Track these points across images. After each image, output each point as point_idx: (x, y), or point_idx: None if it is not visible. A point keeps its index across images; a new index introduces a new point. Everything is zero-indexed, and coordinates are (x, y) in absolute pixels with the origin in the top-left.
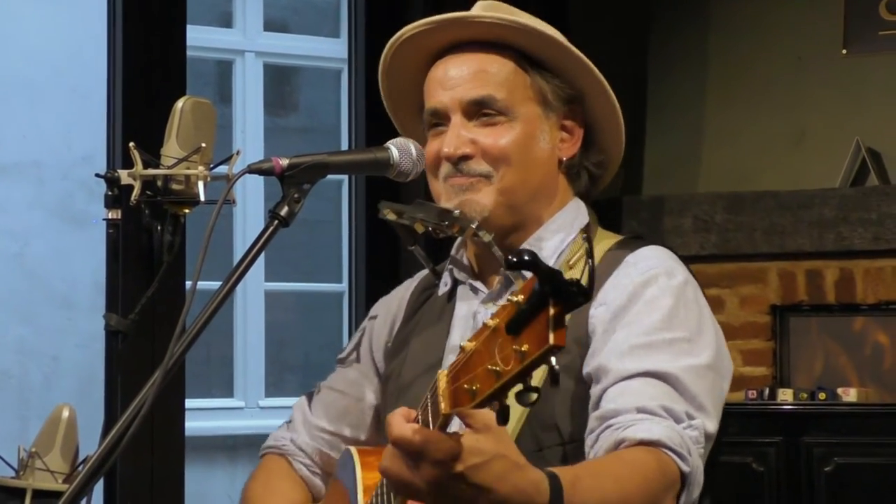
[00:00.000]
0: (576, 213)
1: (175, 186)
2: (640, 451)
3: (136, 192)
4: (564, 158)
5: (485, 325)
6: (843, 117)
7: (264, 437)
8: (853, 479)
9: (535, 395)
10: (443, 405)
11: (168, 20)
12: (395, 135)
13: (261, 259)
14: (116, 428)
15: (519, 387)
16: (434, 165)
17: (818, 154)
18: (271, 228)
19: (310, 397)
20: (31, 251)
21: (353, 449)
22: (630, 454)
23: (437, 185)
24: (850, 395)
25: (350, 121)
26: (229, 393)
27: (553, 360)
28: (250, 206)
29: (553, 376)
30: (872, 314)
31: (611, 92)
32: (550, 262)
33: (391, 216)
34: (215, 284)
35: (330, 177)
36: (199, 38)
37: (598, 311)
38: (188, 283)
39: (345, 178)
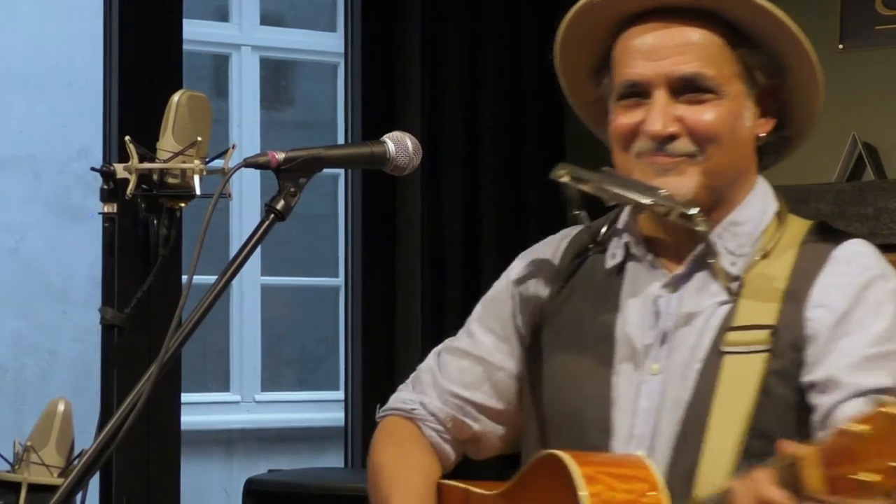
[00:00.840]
0: (764, 197)
1: (171, 180)
2: None
3: (131, 186)
4: (761, 135)
5: (883, 412)
6: (840, 112)
7: (260, 431)
8: None
9: None
10: (820, 490)
11: (164, 14)
12: (392, 128)
13: (257, 253)
14: (112, 422)
15: None
16: (626, 139)
17: (814, 149)
18: (267, 222)
19: (438, 358)
20: (27, 245)
21: (566, 456)
22: None
23: (626, 159)
24: None
25: (346, 115)
26: (225, 387)
27: None
28: (246, 200)
29: None
30: None
31: (818, 66)
32: (746, 250)
33: (566, 179)
34: (211, 278)
35: (326, 171)
36: (195, 31)
37: (818, 314)
38: (184, 278)
39: (341, 172)
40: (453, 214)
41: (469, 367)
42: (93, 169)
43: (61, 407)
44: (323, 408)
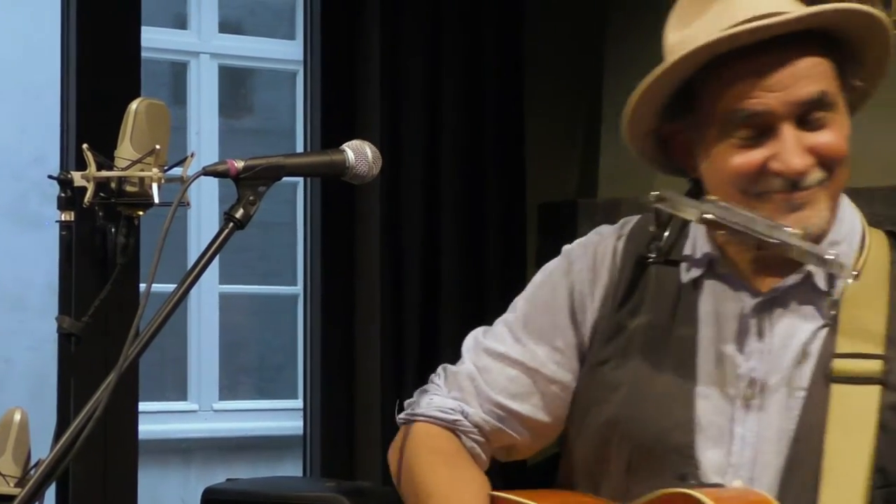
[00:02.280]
0: (851, 209)
1: (129, 188)
2: None
3: (89, 193)
4: None
5: None
6: None
7: (218, 440)
8: None
9: None
10: None
11: (122, 21)
12: (351, 137)
13: (215, 261)
14: (69, 431)
15: None
16: (749, 178)
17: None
18: (226, 231)
19: (477, 361)
20: None
21: (705, 497)
22: None
23: (744, 199)
24: None
25: (305, 123)
26: (183, 396)
27: None
28: (205, 208)
29: None
30: None
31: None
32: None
33: (662, 207)
34: (170, 287)
35: (285, 179)
36: (154, 39)
37: None
38: (142, 286)
39: (300, 180)
40: (413, 223)
41: (518, 377)
42: (50, 177)
43: (18, 416)
44: (281, 416)
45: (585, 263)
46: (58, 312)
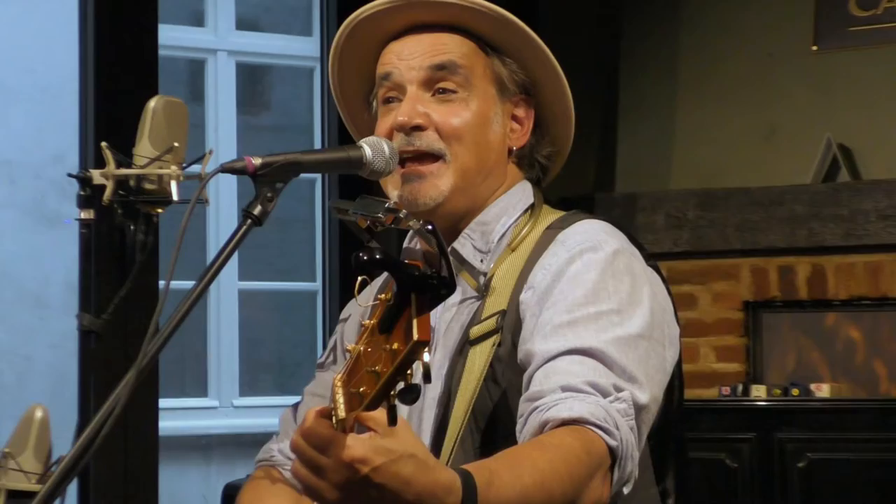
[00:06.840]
0: (520, 195)
1: (148, 186)
2: (563, 434)
3: (108, 191)
4: (515, 148)
5: (364, 325)
6: (814, 114)
7: (238, 436)
8: (826, 475)
9: (416, 394)
10: (340, 410)
11: (140, 19)
12: (368, 133)
13: (234, 258)
14: (90, 428)
15: (400, 385)
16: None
17: (789, 150)
18: (244, 227)
19: (295, 406)
20: (3, 251)
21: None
22: (551, 438)
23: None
24: (822, 390)
25: (323, 119)
26: (203, 392)
27: (426, 355)
28: (223, 205)
29: (425, 372)
30: (844, 310)
31: (566, 82)
32: (491, 246)
33: (339, 214)
34: (189, 284)
35: (303, 175)
36: (171, 36)
37: (527, 296)
38: (161, 283)
39: (318, 176)
40: None
41: (316, 404)
42: (70, 175)
43: (39, 413)
44: None
45: (354, 300)
46: (78, 310)
